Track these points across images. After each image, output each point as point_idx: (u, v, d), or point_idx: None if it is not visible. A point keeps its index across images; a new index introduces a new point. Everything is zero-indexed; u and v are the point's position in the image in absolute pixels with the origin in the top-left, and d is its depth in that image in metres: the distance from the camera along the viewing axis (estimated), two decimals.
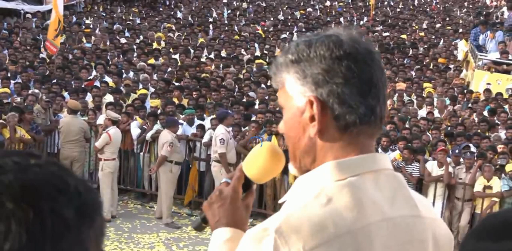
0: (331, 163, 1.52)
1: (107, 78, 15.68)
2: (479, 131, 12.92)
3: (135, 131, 12.36)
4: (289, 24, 26.72)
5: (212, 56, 19.66)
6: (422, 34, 26.14)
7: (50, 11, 18.30)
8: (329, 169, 1.51)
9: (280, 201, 1.60)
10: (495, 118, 14.09)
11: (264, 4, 32.02)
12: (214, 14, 28.78)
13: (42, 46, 18.74)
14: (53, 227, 0.95)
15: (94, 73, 16.32)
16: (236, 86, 16.00)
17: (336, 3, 34.04)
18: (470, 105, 15.41)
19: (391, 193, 1.54)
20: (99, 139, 11.41)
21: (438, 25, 28.61)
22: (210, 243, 1.76)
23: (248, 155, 1.87)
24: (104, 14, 26.83)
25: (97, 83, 15.03)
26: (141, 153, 12.52)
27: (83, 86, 14.70)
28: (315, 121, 1.51)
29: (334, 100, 1.50)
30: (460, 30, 25.95)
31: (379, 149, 11.16)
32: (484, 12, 28.15)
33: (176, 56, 19.15)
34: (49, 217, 0.95)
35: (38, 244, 0.94)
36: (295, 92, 1.55)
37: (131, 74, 16.68)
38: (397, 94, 15.82)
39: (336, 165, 1.51)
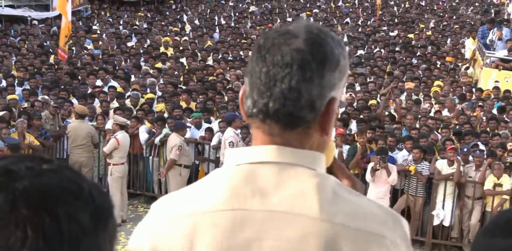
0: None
1: (115, 83, 15.65)
2: (487, 129, 12.88)
3: (143, 135, 12.37)
4: None
5: (219, 59, 19.64)
6: (429, 33, 26.07)
7: (56, 17, 18.32)
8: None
9: None
10: (504, 116, 14.05)
11: (270, 6, 31.99)
12: (221, 17, 28.78)
13: (52, 52, 18.72)
14: (70, 231, 0.95)
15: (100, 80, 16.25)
16: None
17: (343, 4, 34.00)
18: (480, 103, 15.34)
19: (268, 186, 1.48)
20: (107, 144, 11.43)
21: (444, 24, 28.53)
22: None
23: None
24: (110, 20, 26.90)
25: (105, 89, 15.04)
26: (150, 157, 12.54)
27: (89, 91, 14.71)
28: None
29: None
30: (467, 28, 25.86)
31: (386, 148, 11.15)
32: (492, 10, 28.04)
33: (183, 60, 19.15)
34: (65, 222, 0.95)
35: (56, 249, 0.94)
36: None
37: (134, 78, 16.57)
38: (405, 94, 15.80)
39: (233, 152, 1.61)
